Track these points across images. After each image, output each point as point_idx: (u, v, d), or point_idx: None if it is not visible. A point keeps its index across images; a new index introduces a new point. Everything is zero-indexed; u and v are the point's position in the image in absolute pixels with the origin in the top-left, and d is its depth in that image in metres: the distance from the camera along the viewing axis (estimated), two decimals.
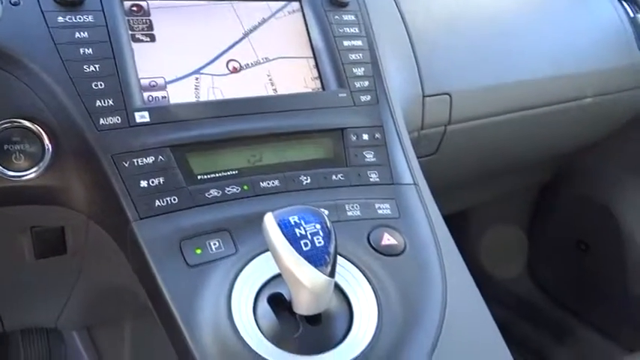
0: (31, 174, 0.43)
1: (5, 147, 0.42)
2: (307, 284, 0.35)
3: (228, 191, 0.45)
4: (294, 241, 0.35)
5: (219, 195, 0.45)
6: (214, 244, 0.42)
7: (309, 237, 0.36)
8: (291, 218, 0.36)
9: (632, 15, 0.92)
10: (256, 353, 0.36)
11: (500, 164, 0.86)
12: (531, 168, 1.00)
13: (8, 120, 0.42)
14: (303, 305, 0.37)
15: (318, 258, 0.35)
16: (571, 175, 1.09)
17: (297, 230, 0.36)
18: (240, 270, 0.41)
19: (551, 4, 0.83)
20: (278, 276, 0.41)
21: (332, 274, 0.36)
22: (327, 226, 0.37)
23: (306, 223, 0.36)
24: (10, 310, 0.64)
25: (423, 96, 0.62)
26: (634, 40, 0.89)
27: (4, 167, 0.42)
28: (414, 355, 0.39)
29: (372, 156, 0.52)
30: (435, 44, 0.64)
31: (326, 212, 0.41)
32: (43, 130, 0.43)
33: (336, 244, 0.36)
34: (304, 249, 0.35)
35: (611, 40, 0.87)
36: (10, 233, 0.50)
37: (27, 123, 0.43)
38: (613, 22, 0.89)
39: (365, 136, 0.53)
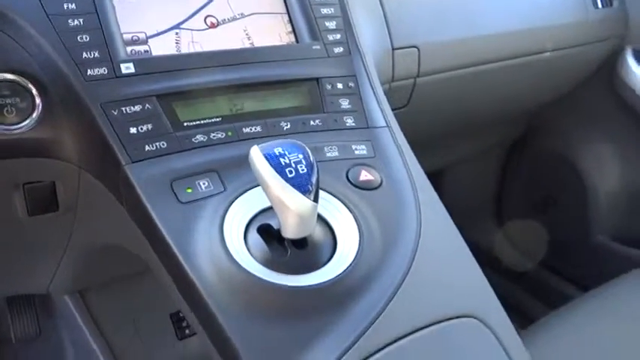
0: (22, 127, 0.45)
1: None
2: (294, 208, 0.38)
3: (214, 136, 0.48)
4: (279, 169, 0.38)
5: (205, 140, 0.47)
6: (204, 183, 0.45)
7: (294, 165, 0.39)
8: (275, 150, 0.39)
9: None
10: (250, 272, 0.39)
11: (470, 119, 0.90)
12: (500, 125, 1.05)
13: None
14: (291, 229, 0.40)
15: (302, 184, 0.38)
16: (538, 132, 1.14)
17: (281, 160, 0.39)
18: (230, 204, 0.43)
19: None
20: (265, 210, 0.44)
21: (316, 199, 0.39)
22: (309, 156, 0.40)
23: (289, 154, 0.39)
24: (1, 276, 0.66)
25: (392, 49, 0.65)
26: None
27: None
28: (391, 273, 0.42)
29: (347, 103, 0.55)
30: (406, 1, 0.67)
31: None
32: (32, 83, 0.44)
33: (318, 171, 0.39)
34: (289, 176, 0.38)
35: None
36: (2, 191, 0.51)
37: (16, 77, 0.44)
38: None
39: (339, 85, 0.56)
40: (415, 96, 0.71)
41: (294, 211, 0.38)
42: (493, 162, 1.20)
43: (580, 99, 1.04)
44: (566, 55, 0.92)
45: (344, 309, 0.39)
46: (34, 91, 0.45)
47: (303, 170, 0.39)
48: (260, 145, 0.39)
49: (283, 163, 0.38)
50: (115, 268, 0.69)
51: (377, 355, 0.36)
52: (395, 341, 0.37)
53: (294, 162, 0.39)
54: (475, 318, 0.41)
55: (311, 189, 0.39)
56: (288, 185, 0.38)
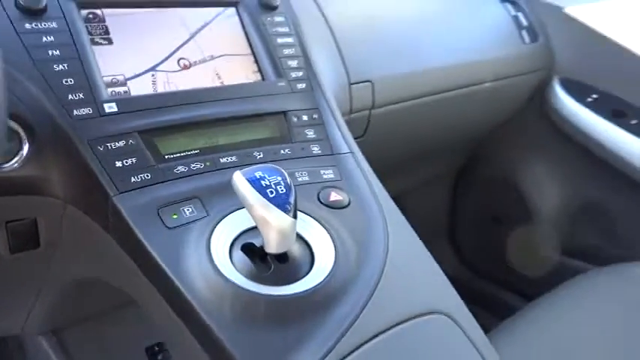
0: (9, 166, 0.47)
1: None
2: (276, 225, 0.42)
3: (193, 167, 0.51)
4: (261, 190, 0.42)
5: (185, 170, 0.51)
6: (188, 209, 0.48)
7: (273, 187, 0.43)
8: (256, 173, 0.43)
9: (513, 14, 1.08)
10: (238, 285, 0.42)
11: (422, 147, 0.97)
12: (449, 152, 1.13)
13: None
14: (274, 244, 0.43)
15: (282, 203, 0.43)
16: (483, 158, 1.24)
17: (262, 182, 0.43)
18: (214, 227, 0.47)
19: (454, 4, 0.97)
20: (246, 231, 0.48)
21: (295, 216, 0.43)
22: (286, 178, 0.44)
23: (269, 177, 0.43)
24: None
25: (349, 84, 0.72)
26: (517, 33, 1.06)
27: None
28: (365, 281, 0.46)
29: (312, 133, 0.60)
30: (355, 39, 0.74)
31: None
32: (19, 124, 0.47)
33: (295, 191, 0.44)
34: (270, 196, 0.42)
35: (500, 33, 1.03)
36: None
37: None
38: (501, 19, 1.04)
39: (304, 117, 0.61)
40: (371, 126, 0.77)
41: (276, 227, 0.42)
42: (445, 187, 1.28)
43: (517, 126, 1.14)
44: (502, 86, 1.02)
45: (325, 314, 0.43)
46: (21, 131, 0.47)
47: (282, 190, 0.43)
48: (242, 170, 0.44)
49: (264, 185, 0.43)
50: (90, 304, 0.70)
51: (358, 351, 0.40)
52: (373, 337, 0.42)
53: (273, 183, 0.43)
54: (443, 314, 0.46)
55: (290, 207, 0.43)
56: (270, 204, 0.42)
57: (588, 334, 0.78)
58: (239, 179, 0.43)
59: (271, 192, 0.43)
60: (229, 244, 0.47)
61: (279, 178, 0.44)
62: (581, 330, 0.78)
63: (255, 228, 0.47)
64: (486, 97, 0.99)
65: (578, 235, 1.15)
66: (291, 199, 0.43)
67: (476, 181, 1.26)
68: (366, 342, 0.41)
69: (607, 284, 0.88)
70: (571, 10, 1.06)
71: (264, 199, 0.42)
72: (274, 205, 0.42)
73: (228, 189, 0.47)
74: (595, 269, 0.93)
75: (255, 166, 0.44)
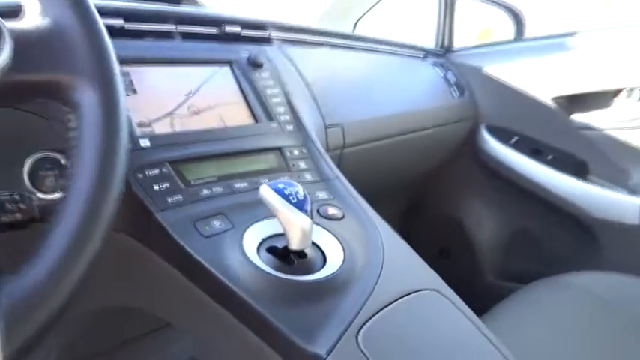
0: (58, 195, 0.55)
1: (40, 174, 0.54)
2: (298, 224, 0.53)
3: (215, 191, 0.61)
4: (285, 197, 0.53)
5: (209, 193, 0.61)
6: (217, 223, 0.57)
7: (293, 194, 0.54)
8: (279, 185, 0.54)
9: (442, 73, 1.29)
10: (273, 274, 0.52)
11: (381, 185, 1.11)
12: (403, 190, 1.28)
13: (43, 152, 0.55)
14: (296, 241, 0.53)
15: (302, 207, 0.53)
16: (429, 195, 1.40)
17: (285, 191, 0.54)
18: (243, 234, 0.57)
19: (399, 65, 1.15)
20: (266, 238, 0.58)
21: (312, 217, 0.54)
22: (301, 189, 0.55)
23: (289, 187, 0.54)
24: None
25: (325, 127, 0.85)
26: (447, 89, 1.25)
27: (38, 190, 0.54)
28: (370, 271, 0.57)
29: (303, 164, 0.72)
30: (326, 90, 0.88)
31: None
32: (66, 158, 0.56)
33: (309, 198, 0.55)
34: (293, 202, 0.53)
35: (435, 89, 1.22)
36: None
37: (53, 154, 0.55)
38: (434, 78, 1.24)
39: (296, 152, 0.73)
40: (343, 164, 0.90)
41: (299, 226, 0.53)
42: (397, 223, 1.42)
43: (456, 167, 1.32)
44: (440, 133, 1.19)
45: (344, 294, 0.53)
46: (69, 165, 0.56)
47: (301, 198, 0.54)
48: (267, 184, 0.54)
49: (287, 193, 0.53)
50: (107, 337, 0.74)
51: (375, 317, 0.51)
52: (383, 308, 0.52)
53: (294, 192, 0.54)
54: (434, 290, 0.57)
55: (308, 210, 0.54)
56: (293, 207, 0.53)
57: (532, 343, 0.88)
58: (266, 191, 0.53)
59: (292, 199, 0.53)
60: (256, 248, 0.56)
61: (297, 189, 0.55)
62: (525, 340, 0.88)
63: (273, 236, 0.58)
64: (428, 141, 1.16)
65: (513, 258, 1.31)
66: (308, 205, 0.54)
67: (424, 216, 1.41)
68: (379, 311, 0.52)
69: (541, 297, 1.00)
70: (488, 69, 1.28)
71: (289, 204, 0.53)
72: (297, 208, 0.53)
73: (244, 207, 0.58)
74: (526, 287, 1.05)
75: (276, 180, 0.55)
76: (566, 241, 1.22)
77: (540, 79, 1.22)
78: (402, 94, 1.09)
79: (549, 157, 1.21)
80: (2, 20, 0.35)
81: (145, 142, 0.60)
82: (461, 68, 1.30)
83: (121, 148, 0.38)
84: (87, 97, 0.37)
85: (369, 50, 1.13)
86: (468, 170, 1.33)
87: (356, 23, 1.52)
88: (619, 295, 0.90)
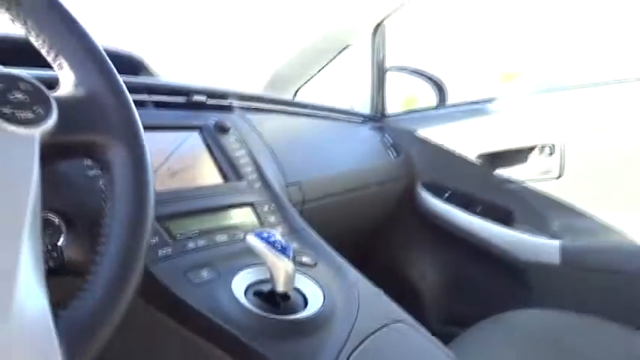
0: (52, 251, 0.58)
1: None
2: (284, 267, 0.59)
3: (199, 244, 0.66)
4: (271, 244, 0.59)
5: (194, 247, 0.65)
6: (205, 272, 0.62)
7: (278, 242, 0.60)
8: (264, 234, 0.60)
9: (380, 137, 1.42)
10: (262, 314, 0.57)
11: (333, 238, 1.18)
12: (352, 243, 1.36)
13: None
14: (282, 282, 0.59)
15: (285, 252, 0.60)
16: (377, 248, 1.49)
17: (270, 239, 0.60)
18: (230, 282, 0.62)
19: (342, 129, 1.27)
20: (251, 285, 0.63)
21: (294, 263, 0.60)
22: (282, 238, 0.62)
23: (273, 236, 0.61)
24: None
25: (286, 184, 0.92)
26: (385, 150, 1.38)
27: None
28: (349, 308, 0.64)
29: (274, 218, 0.78)
30: (285, 152, 0.96)
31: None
32: (59, 217, 0.59)
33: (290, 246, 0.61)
34: (277, 248, 0.59)
35: (375, 150, 1.34)
36: None
37: (52, 214, 0.59)
38: (375, 140, 1.36)
39: (265, 207, 0.79)
40: (304, 219, 0.97)
41: (285, 269, 0.59)
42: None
43: (398, 221, 1.42)
44: (382, 190, 1.30)
45: (329, 329, 0.59)
46: (62, 223, 0.59)
47: (284, 245, 0.60)
48: (253, 233, 0.60)
49: (272, 241, 0.60)
50: None
51: (359, 348, 0.57)
52: (365, 339, 0.58)
53: (277, 240, 0.60)
54: (402, 322, 0.64)
55: (290, 255, 0.60)
56: (279, 253, 0.59)
57: None
58: (254, 240, 0.59)
59: (277, 245, 0.60)
60: (243, 293, 0.61)
61: (279, 237, 0.61)
62: None
63: (256, 283, 0.63)
64: (372, 198, 1.27)
65: (455, 304, 1.41)
66: (290, 251, 0.61)
67: (373, 269, 1.49)
68: (362, 342, 0.58)
69: (482, 339, 1.08)
70: (421, 132, 1.43)
71: (275, 250, 0.59)
72: (281, 254, 0.59)
73: (227, 258, 0.64)
74: (468, 330, 1.13)
75: (260, 230, 0.61)
76: (501, 283, 1.33)
77: (466, 140, 1.38)
78: (347, 155, 1.20)
79: (479, 208, 1.35)
80: (48, 91, 0.41)
81: None
82: (396, 132, 1.44)
83: (150, 202, 0.43)
84: (119, 156, 0.43)
85: (316, 116, 1.24)
86: (409, 223, 1.44)
87: (296, 92, 1.64)
88: (550, 329, 1.01)
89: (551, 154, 1.26)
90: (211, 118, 0.86)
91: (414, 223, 1.43)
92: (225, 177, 0.81)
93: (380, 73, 1.50)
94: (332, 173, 1.09)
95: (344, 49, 1.48)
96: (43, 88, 0.40)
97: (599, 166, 1.20)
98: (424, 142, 1.42)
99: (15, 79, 0.39)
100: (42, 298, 0.34)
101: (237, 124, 0.90)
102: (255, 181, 0.82)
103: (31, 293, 0.33)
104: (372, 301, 0.68)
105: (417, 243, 1.46)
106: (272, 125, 1.01)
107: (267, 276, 0.61)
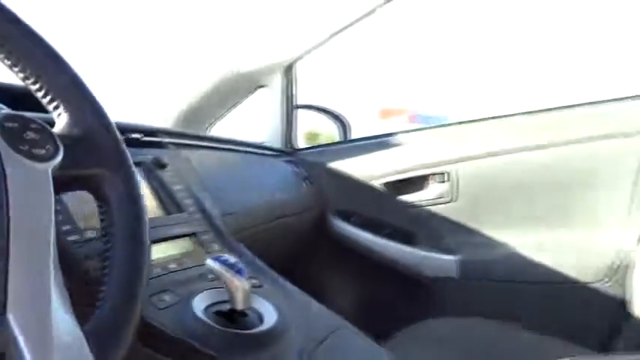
0: None
1: None
2: (242, 286, 0.65)
3: (155, 272, 0.71)
4: (230, 267, 0.66)
5: (151, 275, 0.70)
6: (167, 297, 0.67)
7: (234, 264, 0.67)
8: (222, 259, 0.67)
9: (293, 169, 1.52)
10: (224, 329, 0.63)
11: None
12: (282, 271, 1.43)
13: None
14: (241, 300, 0.66)
15: (242, 274, 0.67)
16: (300, 275, 1.56)
17: (227, 262, 0.67)
18: (191, 304, 0.67)
19: (260, 162, 1.35)
20: (209, 306, 0.69)
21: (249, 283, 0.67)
22: (238, 261, 0.68)
23: (230, 260, 0.67)
24: None
25: (221, 214, 0.98)
26: (299, 181, 1.48)
27: None
28: (300, 320, 0.71)
29: (217, 246, 0.85)
30: (218, 184, 1.03)
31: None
32: None
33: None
34: (235, 270, 0.66)
35: (289, 181, 1.43)
36: None
37: None
38: (289, 172, 1.46)
39: (207, 236, 0.85)
40: None
41: (242, 288, 0.66)
42: None
43: (315, 247, 1.52)
44: (298, 218, 1.40)
45: (286, 340, 0.66)
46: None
47: (241, 266, 0.67)
48: (211, 258, 0.66)
49: (229, 264, 0.66)
50: None
51: (317, 350, 0.65)
52: (319, 344, 0.66)
53: (234, 263, 0.67)
54: (346, 328, 0.73)
55: (246, 276, 0.67)
56: (237, 275, 0.66)
57: None
58: (214, 263, 0.66)
59: (234, 268, 0.66)
60: (203, 314, 0.67)
61: (235, 261, 0.68)
62: None
63: (213, 304, 0.69)
64: (292, 226, 1.36)
65: (371, 321, 1.52)
66: (245, 272, 0.68)
67: None
68: (317, 347, 0.66)
69: (400, 349, 1.20)
70: (331, 164, 1.55)
71: (234, 272, 0.66)
72: (239, 275, 0.66)
73: (182, 283, 0.70)
74: (385, 344, 1.24)
75: (218, 254, 0.68)
76: (410, 297, 1.48)
77: (371, 169, 1.52)
78: (269, 186, 1.28)
79: (386, 231, 1.49)
80: (52, 130, 0.45)
81: (92, 234, 0.68)
82: (307, 164, 1.55)
83: (146, 226, 0.49)
84: (115, 189, 0.48)
85: (238, 151, 1.32)
86: (325, 249, 1.54)
87: (208, 127, 1.70)
88: (458, 336, 1.15)
89: (445, 181, 1.45)
90: (148, 155, 0.91)
91: (329, 248, 1.53)
92: (166, 210, 0.85)
93: (290, 111, 1.61)
94: (259, 203, 1.17)
95: (256, 88, 1.58)
96: (49, 128, 0.45)
97: (487, 190, 1.40)
98: (333, 174, 1.54)
99: (27, 121, 0.43)
100: (74, 324, 0.39)
101: (173, 160, 0.95)
102: (195, 213, 0.88)
103: (63, 319, 0.38)
104: (318, 313, 0.77)
105: (333, 266, 1.56)
106: (203, 160, 1.07)
107: (223, 297, 0.68)
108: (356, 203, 1.54)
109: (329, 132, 2.33)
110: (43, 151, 0.43)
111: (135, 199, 0.49)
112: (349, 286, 1.56)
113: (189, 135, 1.12)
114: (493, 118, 1.46)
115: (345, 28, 1.40)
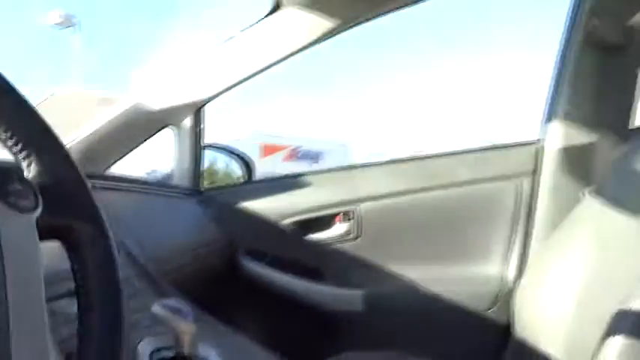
0: None
1: None
2: (189, 330, 0.67)
3: None
4: (176, 312, 0.67)
5: None
6: None
7: (181, 309, 0.68)
8: (168, 305, 0.68)
9: (202, 209, 1.52)
10: None
11: None
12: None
13: None
14: (187, 343, 0.67)
15: (187, 318, 0.68)
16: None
17: (173, 307, 0.67)
18: (135, 351, 0.66)
19: (170, 204, 1.33)
20: (153, 352, 0.68)
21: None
22: (182, 306, 0.69)
23: (174, 304, 0.68)
24: None
25: (145, 259, 0.97)
26: (208, 222, 1.48)
27: None
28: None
29: (149, 290, 0.84)
30: (137, 228, 1.01)
31: None
32: None
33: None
34: (181, 314, 0.67)
35: (198, 222, 1.44)
36: None
37: None
38: (197, 213, 1.46)
39: (138, 282, 0.84)
40: None
41: (189, 331, 0.67)
42: None
43: (226, 288, 1.52)
44: (208, 260, 1.40)
45: None
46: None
47: (187, 311, 0.68)
48: (158, 304, 0.67)
49: (175, 309, 0.67)
50: None
51: None
52: None
53: (179, 307, 0.68)
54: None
55: (192, 321, 0.68)
56: (184, 319, 0.67)
57: None
58: (160, 309, 0.66)
59: (180, 313, 0.67)
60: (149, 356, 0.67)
61: (180, 306, 0.69)
62: None
63: (157, 350, 0.69)
64: (206, 269, 1.36)
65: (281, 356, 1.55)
66: (191, 316, 0.69)
67: None
68: None
69: None
70: (239, 204, 1.57)
71: (181, 317, 0.66)
72: (185, 319, 0.67)
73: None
74: None
75: (164, 300, 0.68)
76: (322, 332, 1.53)
77: (279, 209, 1.57)
78: (177, 229, 1.28)
79: (295, 269, 1.54)
80: (30, 180, 0.45)
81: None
82: (217, 205, 1.56)
83: (118, 281, 0.49)
84: (87, 238, 0.48)
85: (145, 191, 1.30)
86: (238, 289, 1.54)
87: (107, 167, 1.64)
88: None
89: (350, 219, 1.54)
90: None
91: (242, 288, 1.54)
92: None
93: (198, 151, 1.61)
94: (172, 247, 1.16)
95: (163, 127, 1.56)
96: (28, 177, 0.45)
97: (389, 227, 1.52)
98: (243, 214, 1.57)
99: (9, 172, 0.43)
100: None
101: None
102: (122, 257, 0.86)
103: None
104: (247, 349, 0.79)
105: (247, 305, 1.56)
106: (121, 202, 1.05)
107: (165, 344, 0.68)
108: (265, 243, 1.57)
109: (226, 170, 2.36)
110: (27, 202, 0.43)
111: (109, 250, 0.50)
112: (264, 325, 1.57)
113: (95, 175, 1.09)
114: (393, 162, 1.60)
115: (258, 73, 1.47)
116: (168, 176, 1.61)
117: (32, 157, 0.48)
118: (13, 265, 0.38)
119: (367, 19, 1.39)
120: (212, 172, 2.21)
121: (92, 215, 0.50)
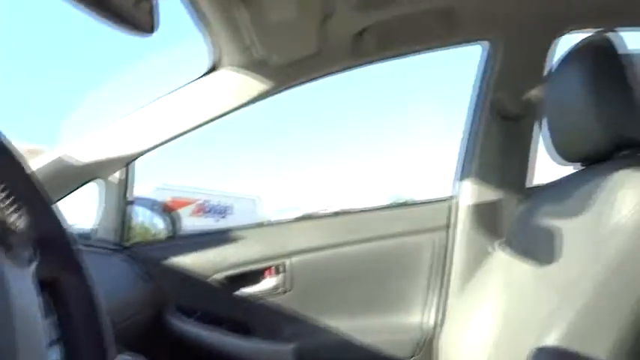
0: None
1: None
2: None
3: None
4: None
5: None
6: None
7: None
8: (127, 357, 0.68)
9: (130, 266, 1.48)
10: None
11: None
12: None
13: None
14: None
15: None
16: None
17: None
18: None
19: (99, 261, 1.29)
20: None
21: None
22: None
23: (137, 358, 0.69)
24: None
25: None
26: (137, 278, 1.45)
27: None
28: None
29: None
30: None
31: None
32: None
33: None
34: None
35: (126, 279, 1.40)
36: None
37: None
38: (125, 269, 1.42)
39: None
40: None
41: None
42: None
43: (153, 347, 1.46)
44: (136, 319, 1.36)
45: None
46: None
47: None
48: (122, 357, 0.67)
49: None
50: None
51: None
52: None
53: None
54: None
55: None
56: None
57: None
58: None
59: None
60: None
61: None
62: None
63: None
64: (133, 327, 1.31)
65: None
66: None
67: None
68: None
69: None
70: (169, 260, 1.56)
71: None
72: None
73: None
74: None
75: (125, 355, 0.68)
76: None
77: (208, 264, 1.57)
78: (102, 286, 1.24)
79: (225, 325, 1.53)
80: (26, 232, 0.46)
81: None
82: (144, 260, 1.53)
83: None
84: (74, 290, 0.49)
85: None
86: (165, 346, 1.49)
87: None
88: None
89: (280, 272, 1.58)
90: None
91: (170, 346, 1.50)
92: None
93: (125, 205, 1.59)
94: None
95: (91, 180, 1.53)
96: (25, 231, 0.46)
97: (318, 280, 1.57)
98: (171, 269, 1.55)
99: (5, 224, 0.44)
100: None
101: None
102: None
103: None
104: None
105: None
106: None
107: None
108: (194, 298, 1.56)
109: (144, 224, 2.31)
110: (27, 254, 0.44)
111: (96, 307, 0.51)
112: None
113: None
114: (320, 217, 1.68)
115: (191, 130, 1.50)
116: (93, 231, 1.56)
117: (23, 210, 0.49)
118: (20, 315, 0.39)
119: (301, 83, 1.49)
120: (135, 226, 2.16)
121: (78, 269, 0.52)
